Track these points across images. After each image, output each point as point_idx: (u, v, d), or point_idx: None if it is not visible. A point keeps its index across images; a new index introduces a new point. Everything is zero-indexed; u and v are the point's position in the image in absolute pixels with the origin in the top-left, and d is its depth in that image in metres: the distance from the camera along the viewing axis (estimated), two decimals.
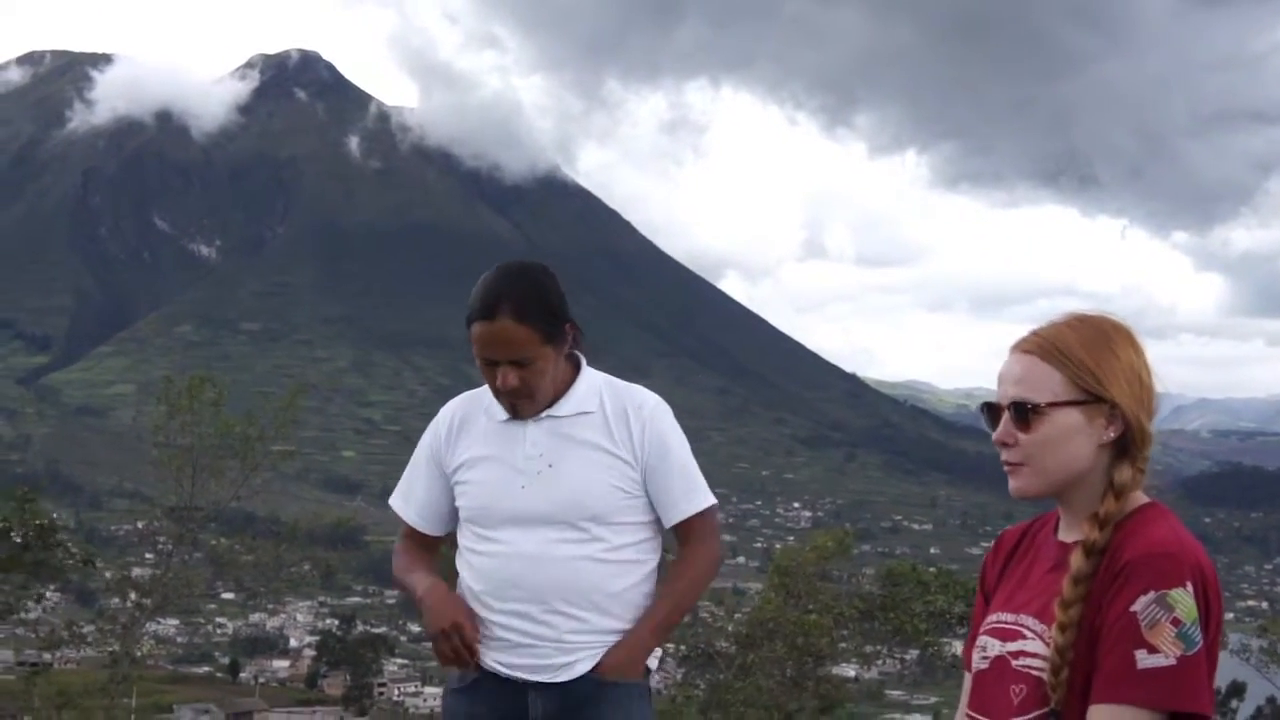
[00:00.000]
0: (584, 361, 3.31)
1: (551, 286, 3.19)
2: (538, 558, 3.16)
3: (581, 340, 3.28)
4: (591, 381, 3.28)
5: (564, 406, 3.23)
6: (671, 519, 3.24)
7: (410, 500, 3.39)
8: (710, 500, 3.29)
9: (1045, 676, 2.19)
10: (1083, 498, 2.28)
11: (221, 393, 18.07)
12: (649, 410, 3.25)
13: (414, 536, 3.41)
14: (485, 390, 3.30)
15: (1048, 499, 2.35)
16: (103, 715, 19.46)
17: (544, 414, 3.23)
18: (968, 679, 2.43)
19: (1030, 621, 2.26)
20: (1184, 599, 2.12)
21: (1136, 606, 2.12)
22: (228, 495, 18.05)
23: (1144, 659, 2.10)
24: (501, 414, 3.26)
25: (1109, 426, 2.24)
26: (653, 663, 3.28)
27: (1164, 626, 2.11)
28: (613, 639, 3.19)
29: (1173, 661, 2.10)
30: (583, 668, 3.17)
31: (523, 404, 3.20)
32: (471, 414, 3.33)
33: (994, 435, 2.31)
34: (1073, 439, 2.24)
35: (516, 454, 3.23)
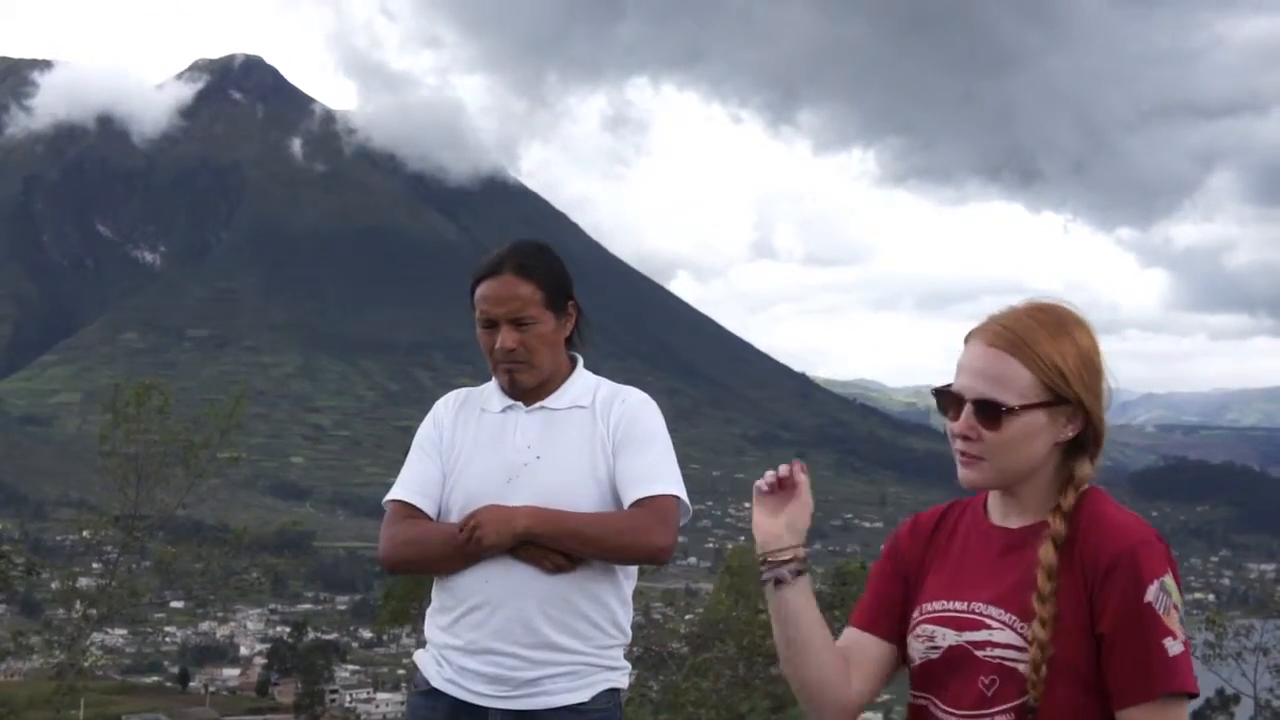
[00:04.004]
0: (581, 362, 3.28)
1: (558, 258, 3.23)
2: (513, 563, 3.07)
3: (584, 329, 3.28)
4: (587, 379, 3.25)
5: (559, 400, 3.20)
6: (627, 498, 3.08)
7: (409, 484, 3.19)
8: (673, 489, 3.12)
9: (1021, 668, 2.17)
10: (1029, 489, 2.27)
11: (167, 400, 17.93)
12: (633, 400, 3.21)
13: (409, 513, 3.18)
14: (482, 387, 3.29)
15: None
16: None
17: (538, 405, 3.19)
18: (852, 633, 2.42)
19: (994, 611, 2.23)
20: (1173, 585, 2.15)
21: (1149, 597, 2.12)
22: (174, 503, 17.91)
23: (1171, 646, 2.12)
24: (497, 405, 3.22)
25: (1069, 425, 2.23)
26: (623, 682, 3.18)
27: (1173, 613, 2.13)
28: (575, 659, 3.08)
29: (1183, 647, 2.14)
30: (546, 697, 3.06)
31: (521, 372, 3.16)
32: (468, 406, 3.27)
33: (954, 426, 2.26)
34: (1035, 439, 2.22)
35: (506, 444, 3.15)
